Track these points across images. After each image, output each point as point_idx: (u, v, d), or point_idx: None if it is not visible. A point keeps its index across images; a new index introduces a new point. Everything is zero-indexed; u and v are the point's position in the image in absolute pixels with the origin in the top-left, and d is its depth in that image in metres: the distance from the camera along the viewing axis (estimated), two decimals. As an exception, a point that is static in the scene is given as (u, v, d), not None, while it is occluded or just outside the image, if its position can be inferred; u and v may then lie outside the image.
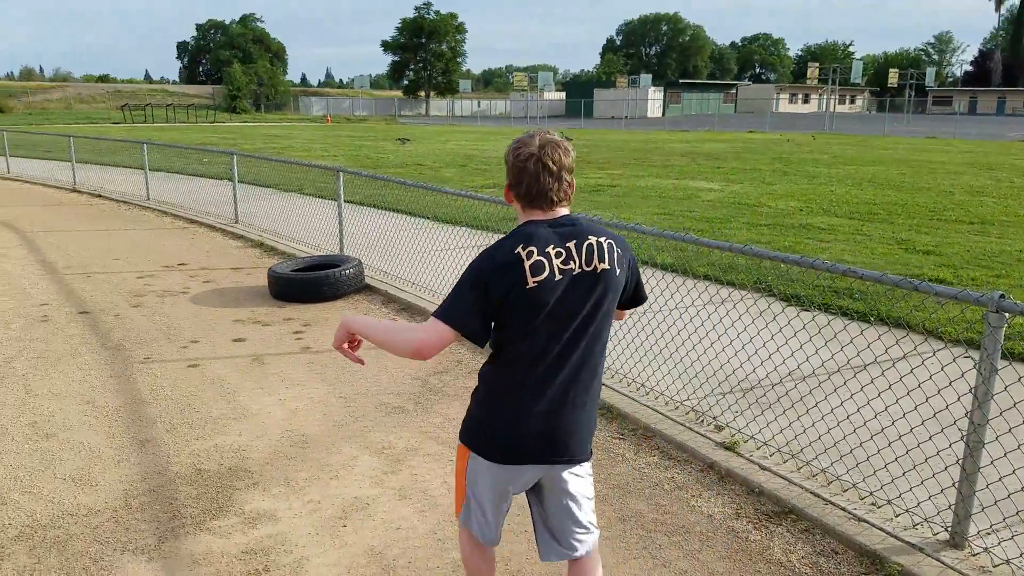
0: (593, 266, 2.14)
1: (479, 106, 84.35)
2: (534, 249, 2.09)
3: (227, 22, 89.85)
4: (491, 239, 8.56)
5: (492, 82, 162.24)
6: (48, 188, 14.93)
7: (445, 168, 19.88)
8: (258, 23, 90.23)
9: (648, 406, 4.60)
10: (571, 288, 2.12)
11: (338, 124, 53.72)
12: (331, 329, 6.30)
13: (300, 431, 4.41)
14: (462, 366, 5.49)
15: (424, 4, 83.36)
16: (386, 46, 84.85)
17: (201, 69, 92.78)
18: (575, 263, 2.13)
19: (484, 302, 2.08)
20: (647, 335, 5.32)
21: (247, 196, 12.23)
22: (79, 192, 14.28)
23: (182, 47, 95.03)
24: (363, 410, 4.71)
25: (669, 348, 5.13)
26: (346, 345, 2.33)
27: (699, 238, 4.44)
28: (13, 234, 10.31)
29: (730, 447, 4.05)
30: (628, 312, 2.51)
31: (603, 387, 4.85)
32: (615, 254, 2.19)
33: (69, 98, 67.90)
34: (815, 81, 60.87)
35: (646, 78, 75.81)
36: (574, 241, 2.14)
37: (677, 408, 4.57)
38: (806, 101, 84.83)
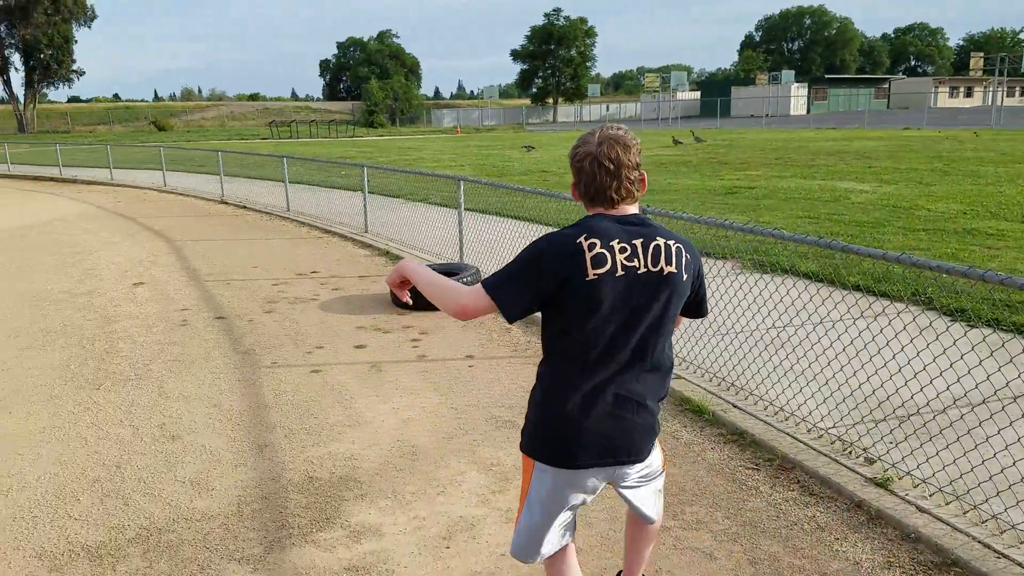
0: (660, 267, 2.08)
1: (607, 110, 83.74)
2: (597, 241, 2.03)
3: (365, 39, 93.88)
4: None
5: (622, 85, 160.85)
6: (199, 200, 15.94)
7: (570, 174, 19.61)
8: (394, 39, 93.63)
9: (787, 433, 4.17)
10: (634, 286, 2.05)
11: (467, 135, 54.77)
12: (446, 338, 6.24)
13: (411, 442, 4.31)
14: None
15: (554, 11, 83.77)
16: (515, 55, 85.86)
17: (341, 86, 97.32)
18: (639, 261, 2.06)
19: (534, 286, 2.03)
20: (787, 352, 4.88)
21: (377, 206, 12.53)
22: (226, 204, 15.14)
23: (324, 65, 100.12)
24: (473, 423, 4.56)
25: (813, 368, 4.68)
26: (398, 284, 2.31)
27: (848, 244, 3.97)
28: (164, 243, 11.00)
29: (882, 483, 3.56)
30: (683, 321, 2.41)
31: (736, 410, 4.66)
32: (683, 258, 2.12)
33: (223, 116, 73.12)
34: (979, 73, 56.16)
35: (788, 74, 72.61)
36: (641, 239, 2.08)
37: (821, 437, 4.10)
38: (968, 95, 78.33)
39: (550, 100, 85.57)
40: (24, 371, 5.58)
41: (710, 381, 4.88)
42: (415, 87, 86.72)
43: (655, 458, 2.33)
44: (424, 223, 10.39)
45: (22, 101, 63.37)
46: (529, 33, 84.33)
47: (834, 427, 4.18)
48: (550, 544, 2.28)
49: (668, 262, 2.09)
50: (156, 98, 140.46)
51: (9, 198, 17.49)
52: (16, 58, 63.44)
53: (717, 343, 5.45)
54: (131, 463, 4.11)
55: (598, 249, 2.02)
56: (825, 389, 4.57)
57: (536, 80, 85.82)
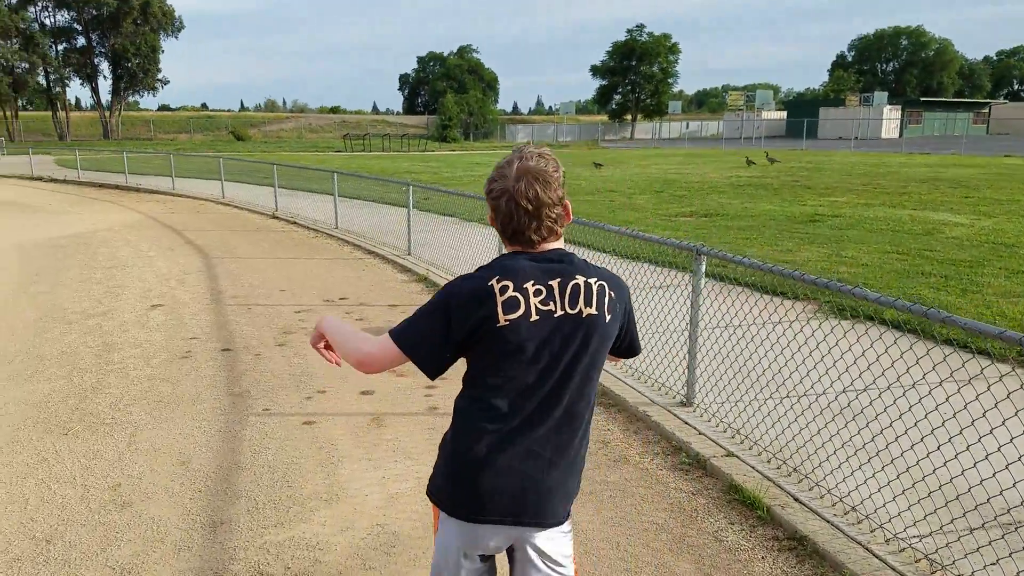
0: (578, 309, 1.90)
1: (687, 127, 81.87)
2: (510, 284, 1.86)
3: (445, 54, 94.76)
4: (672, 277, 7.48)
5: (706, 103, 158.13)
6: (252, 214, 15.70)
7: (640, 194, 18.77)
8: (474, 54, 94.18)
9: (859, 542, 3.25)
10: (551, 333, 1.88)
11: (541, 150, 54.14)
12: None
13: (392, 527, 3.57)
14: (608, 448, 4.40)
15: (637, 27, 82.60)
16: (595, 70, 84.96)
17: (419, 100, 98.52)
18: (556, 304, 1.89)
19: (443, 332, 1.87)
20: (862, 424, 3.94)
21: (424, 227, 11.93)
22: (277, 218, 14.82)
23: (403, 79, 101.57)
24: (470, 509, 3.78)
25: (893, 448, 3.72)
26: (321, 345, 2.15)
27: (950, 315, 3.04)
28: (200, 259, 10.62)
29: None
30: (620, 361, 2.22)
31: (796, 505, 3.51)
32: (606, 298, 1.94)
33: (301, 128, 74.68)
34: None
35: (881, 95, 69.40)
36: (559, 279, 1.90)
37: (903, 551, 3.17)
38: (1078, 120, 73.51)
39: (628, 117, 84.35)
40: (-2, 407, 5.10)
41: (768, 462, 3.97)
42: (491, 102, 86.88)
43: (564, 545, 2.00)
44: (470, 245, 9.69)
45: (108, 108, 66.11)
46: (610, 49, 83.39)
47: (919, 537, 3.24)
48: None
49: (588, 303, 1.90)
50: (242, 108, 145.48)
51: (68, 206, 17.68)
52: (105, 66, 66.28)
53: (778, 409, 4.53)
54: (64, 537, 3.49)
55: (510, 292, 1.85)
56: (907, 477, 3.60)
57: (615, 96, 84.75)
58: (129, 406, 5.12)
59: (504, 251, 1.97)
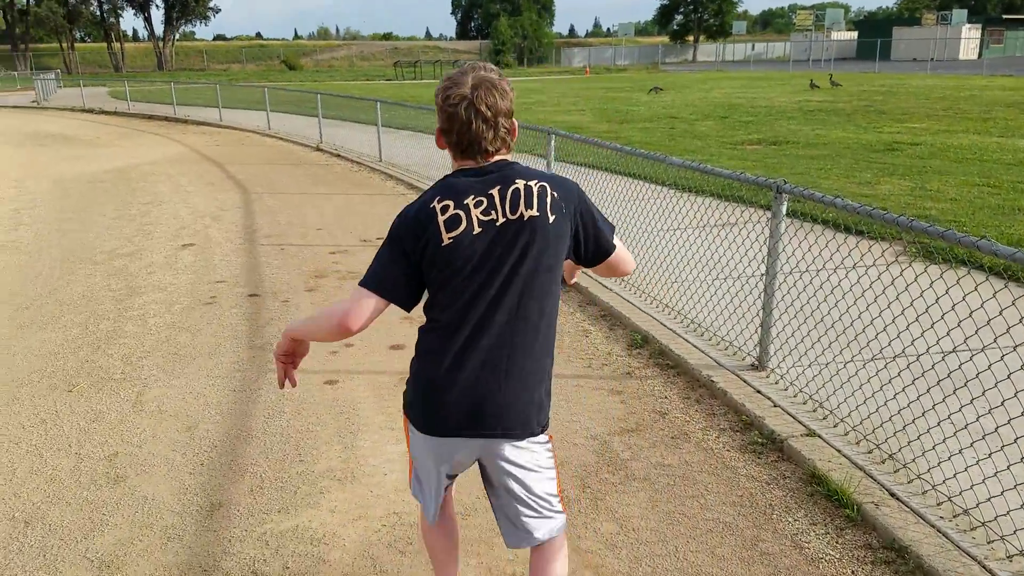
0: (519, 213, 1.84)
1: (752, 49, 77.77)
2: (451, 202, 1.83)
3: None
4: (739, 214, 6.70)
5: (772, 23, 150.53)
6: (296, 146, 15.22)
7: (703, 121, 17.66)
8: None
9: (975, 558, 2.63)
10: (494, 241, 1.83)
11: (596, 75, 52.31)
12: (507, 340, 4.95)
13: (409, 518, 3.08)
14: (666, 421, 3.81)
15: (702, -58, 78.22)
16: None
17: (472, 24, 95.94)
18: (497, 212, 1.84)
19: (403, 263, 1.85)
20: (971, 395, 3.26)
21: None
22: (321, 151, 14.31)
23: (456, 2, 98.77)
24: (501, 496, 3.26)
25: (1013, 429, 3.03)
26: (283, 356, 2.06)
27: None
28: (239, 195, 10.21)
29: None
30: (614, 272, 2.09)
31: (893, 503, 2.88)
32: (548, 199, 1.87)
33: (352, 56, 73.53)
34: None
35: (960, 13, 64.34)
36: (498, 187, 1.85)
37: (1034, 571, 2.54)
38: None
39: (690, 38, 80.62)
40: (5, 358, 4.75)
41: (857, 444, 3.33)
42: (546, 25, 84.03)
43: (542, 460, 1.99)
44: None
45: (161, 39, 66.01)
46: (672, -34, 79.27)
47: (1061, 562, 2.59)
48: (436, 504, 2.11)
49: (528, 206, 1.85)
50: (295, 37, 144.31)
51: (115, 139, 17.49)
52: (157, -4, 65.98)
53: (869, 376, 3.86)
54: (45, 519, 3.10)
55: (452, 211, 1.82)
56: (1041, 481, 2.93)
57: (676, 16, 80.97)
58: (142, 359, 4.73)
59: (453, 168, 1.93)
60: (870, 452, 3.26)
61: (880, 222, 3.17)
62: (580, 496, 3.16)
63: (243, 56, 70.47)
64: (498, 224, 1.84)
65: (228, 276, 6.47)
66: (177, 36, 70.12)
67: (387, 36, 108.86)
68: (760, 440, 3.55)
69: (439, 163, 11.11)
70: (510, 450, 1.94)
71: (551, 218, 1.86)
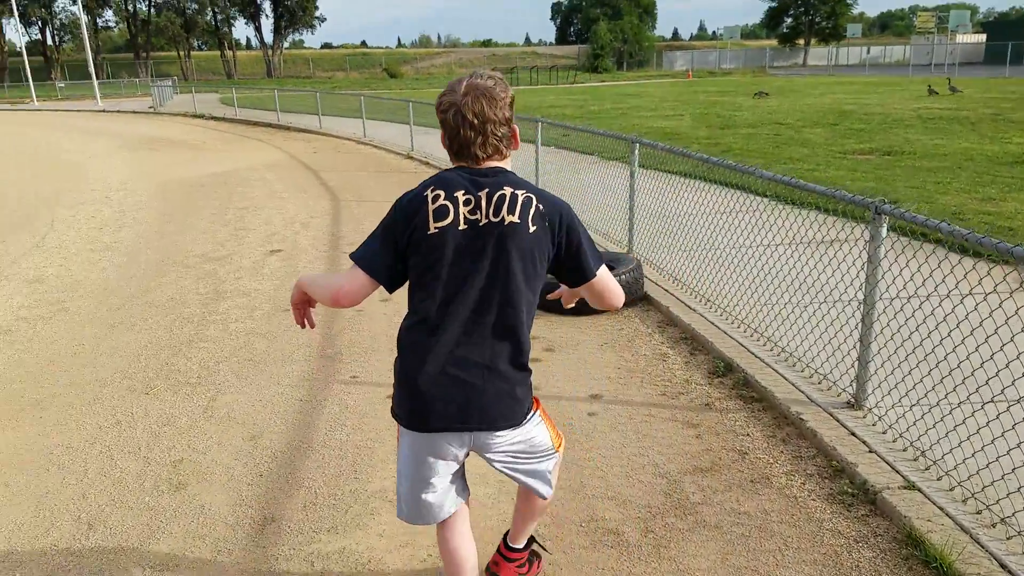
0: (501, 217, 1.94)
1: (868, 53, 74.27)
2: (441, 193, 1.94)
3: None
4: (842, 230, 6.21)
5: (890, 25, 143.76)
6: (388, 153, 15.43)
7: (810, 128, 16.87)
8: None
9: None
10: (475, 240, 1.93)
11: (699, 79, 51.16)
12: (575, 360, 4.77)
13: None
14: (745, 461, 3.52)
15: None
16: (766, -8, 78.79)
17: (571, 29, 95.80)
18: (482, 213, 1.94)
19: (392, 244, 1.96)
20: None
21: (561, 166, 11.08)
22: (412, 159, 14.45)
23: (556, 8, 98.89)
24: (567, 525, 3.05)
25: None
26: (302, 302, 2.18)
27: None
28: (328, 202, 10.38)
29: None
30: (586, 294, 2.13)
31: None
32: (531, 209, 1.96)
33: (451, 63, 74.69)
34: None
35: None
36: (487, 190, 1.95)
37: None
38: None
39: (800, 42, 77.79)
40: (90, 359, 4.90)
41: (964, 503, 2.95)
42: (647, 28, 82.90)
43: (536, 434, 2.16)
44: (598, 190, 8.77)
45: (271, 47, 68.89)
46: (783, -33, 76.73)
47: None
48: (442, 508, 2.18)
49: (511, 211, 1.94)
50: (398, 44, 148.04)
51: (220, 144, 18.24)
52: (267, 5, 68.93)
53: (980, 424, 3.44)
54: (107, 522, 3.12)
55: (441, 201, 1.93)
56: None
57: (786, 19, 78.25)
58: (219, 363, 4.78)
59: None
60: (978, 513, 2.88)
61: (992, 251, 2.81)
62: (641, 541, 2.93)
63: (347, 64, 72.81)
64: (480, 224, 1.93)
65: (310, 282, 6.53)
66: (286, 44, 73.07)
67: (486, 43, 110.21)
68: (851, 490, 3.20)
69: (523, 171, 10.99)
70: (498, 441, 2.07)
71: (531, 228, 1.95)
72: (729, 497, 3.22)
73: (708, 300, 5.57)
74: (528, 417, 2.11)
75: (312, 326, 2.25)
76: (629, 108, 25.03)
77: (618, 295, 2.14)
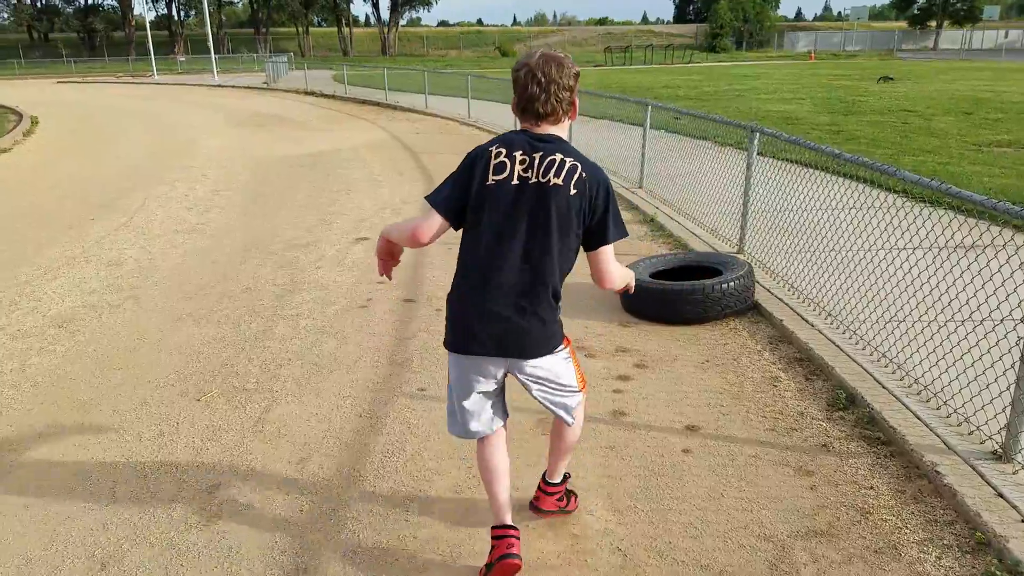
0: (547, 179, 2.23)
1: (1005, 36, 68.18)
2: (503, 150, 2.26)
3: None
4: (987, 233, 5.23)
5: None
6: (491, 135, 14.99)
7: (941, 116, 15.38)
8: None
9: None
10: (522, 195, 2.23)
11: (821, 61, 48.29)
12: (669, 381, 4.19)
13: (513, 632, 2.44)
14: (868, 523, 2.87)
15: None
16: (897, -32, 73.55)
17: (691, 8, 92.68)
18: (533, 172, 2.24)
19: (460, 190, 2.27)
20: None
21: (670, 152, 10.32)
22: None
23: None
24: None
25: None
26: (387, 254, 2.52)
27: None
28: (424, 186, 10.03)
29: None
30: (609, 270, 2.40)
31: None
32: (575, 175, 2.25)
33: (564, 42, 73.48)
34: None
35: None
36: (541, 153, 2.25)
37: None
38: None
39: (932, 24, 72.30)
40: (149, 355, 4.68)
41: None
42: (771, 7, 79.07)
43: (561, 369, 2.46)
44: (709, 180, 8.00)
45: (387, 25, 69.71)
46: (916, -58, 71.37)
47: None
48: (477, 424, 2.52)
49: (557, 175, 2.23)
50: (514, 22, 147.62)
51: (325, 122, 18.31)
52: (385, -18, 69.63)
53: None
54: (123, 563, 2.79)
55: (501, 158, 2.25)
56: None
57: (917, 0, 72.89)
58: (280, 367, 4.46)
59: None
60: None
61: None
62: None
63: (460, 42, 72.97)
64: (530, 183, 2.23)
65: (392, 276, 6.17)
66: (403, 22, 73.92)
67: (602, 21, 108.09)
68: (997, 572, 2.52)
69: (630, 156, 10.29)
70: (530, 368, 2.38)
71: (572, 191, 2.23)
72: (849, 572, 2.60)
73: (829, 313, 4.84)
74: (556, 350, 2.42)
75: (391, 278, 2.62)
76: (746, 90, 23.69)
77: (612, 276, 2.43)
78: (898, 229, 5.30)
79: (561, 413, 2.56)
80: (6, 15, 79.91)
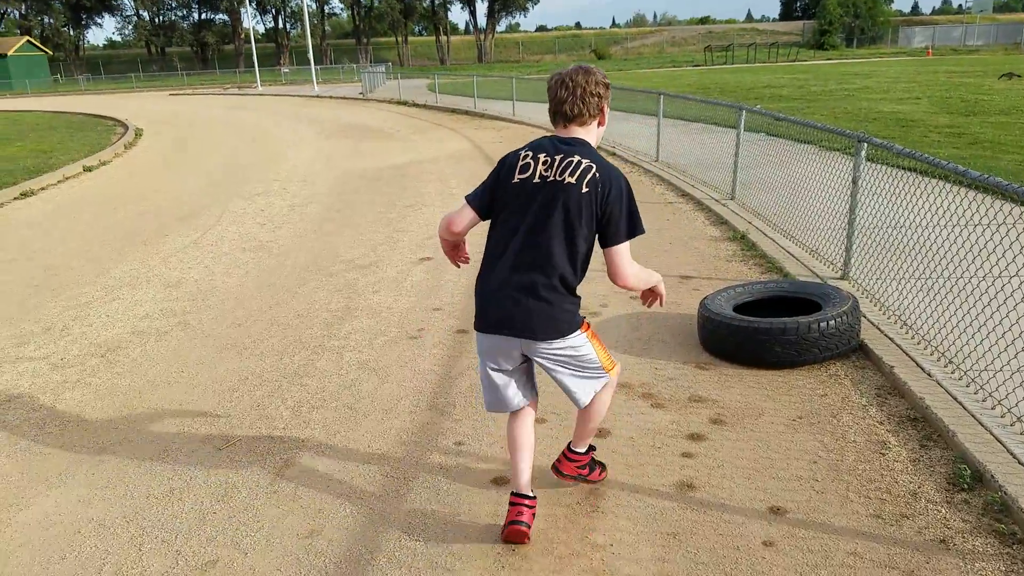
0: (563, 178, 2.48)
1: None
2: (530, 154, 2.55)
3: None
4: None
5: None
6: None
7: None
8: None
9: None
10: (539, 191, 2.51)
11: (939, 57, 45.14)
12: (751, 441, 3.55)
13: None
14: None
15: None
16: (1026, -46, 68.20)
17: (798, 4, 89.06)
18: (552, 172, 2.50)
19: (488, 187, 2.62)
20: None
21: (767, 158, 9.47)
22: (599, 148, 13.35)
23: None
24: None
25: None
26: (453, 246, 2.83)
27: None
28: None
29: None
30: (627, 270, 2.56)
31: None
32: (590, 175, 2.47)
33: (663, 42, 71.79)
34: None
35: None
36: (562, 155, 2.51)
37: None
38: None
39: (1066, 10, 66.57)
40: (183, 392, 4.38)
41: None
42: (884, 2, 74.94)
43: (583, 349, 2.67)
44: (810, 191, 7.13)
45: (484, 31, 69.91)
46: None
47: None
48: (503, 398, 2.78)
49: (572, 175, 2.47)
50: (613, 24, 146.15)
51: (411, 132, 18.15)
52: (482, -12, 69.99)
53: None
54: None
55: (528, 160, 2.55)
56: None
57: (1049, -16, 67.32)
58: (313, 409, 4.06)
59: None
60: None
61: None
62: None
63: (556, 47, 72.44)
64: (548, 180, 2.51)
65: (448, 302, 5.72)
66: (501, 28, 74.11)
67: (703, 20, 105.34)
68: None
69: (722, 162, 9.48)
70: (544, 349, 2.62)
71: (584, 189, 2.48)
72: None
73: (950, 360, 4.06)
74: (570, 334, 2.61)
75: (467, 262, 2.87)
76: (856, 89, 22.17)
77: (623, 278, 2.57)
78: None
79: (574, 392, 2.75)
80: (128, 31, 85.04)
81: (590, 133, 2.61)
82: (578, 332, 2.64)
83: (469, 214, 2.61)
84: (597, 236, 2.54)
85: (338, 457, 3.57)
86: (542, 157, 2.51)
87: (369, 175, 12.03)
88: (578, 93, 2.51)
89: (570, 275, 2.53)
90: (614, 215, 2.49)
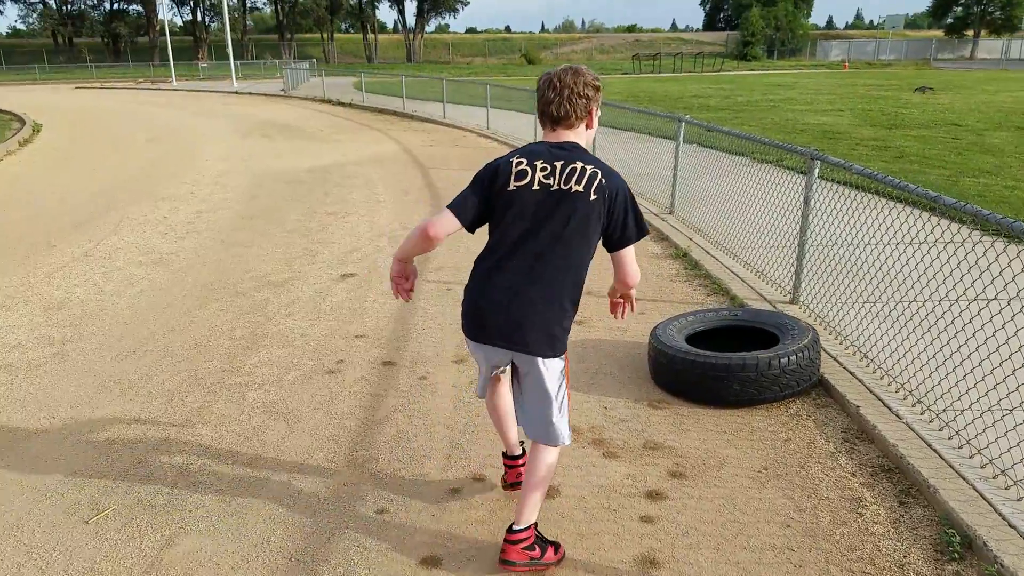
0: (569, 186, 2.40)
1: (1047, 46, 65.76)
2: (524, 160, 2.44)
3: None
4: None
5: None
6: (508, 148, 13.98)
7: (993, 131, 14.19)
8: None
9: None
10: (545, 200, 2.42)
11: (856, 71, 46.72)
12: (721, 498, 3.08)
13: None
14: None
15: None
16: (932, -24, 71.36)
17: (721, 15, 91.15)
18: (554, 180, 2.41)
19: (479, 196, 2.47)
20: None
21: (703, 170, 9.21)
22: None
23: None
24: None
25: None
26: (401, 275, 2.68)
27: None
28: (428, 210, 8.98)
29: None
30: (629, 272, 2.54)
31: None
32: (596, 182, 2.41)
33: (592, 49, 72.20)
34: None
35: None
36: (562, 162, 2.43)
37: None
38: None
39: (969, 33, 70.12)
40: (52, 444, 3.67)
41: None
42: (803, 15, 77.40)
43: (549, 383, 2.53)
44: (752, 206, 6.82)
45: (412, 31, 68.89)
46: (952, -53, 69.27)
47: None
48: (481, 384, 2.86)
49: (578, 183, 2.40)
50: (542, 30, 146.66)
51: (336, 132, 17.37)
52: (411, -12, 68.92)
53: None
54: None
55: (523, 166, 2.43)
56: None
57: (955, 8, 70.77)
58: (203, 471, 3.42)
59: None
60: None
61: None
62: None
63: (487, 49, 71.96)
64: (552, 189, 2.42)
65: (371, 328, 5.14)
66: (430, 28, 73.10)
67: (630, 28, 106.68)
68: None
69: (661, 174, 9.17)
70: (524, 363, 2.53)
71: (592, 197, 2.41)
72: None
73: (919, 400, 3.74)
74: (554, 358, 2.52)
75: (408, 299, 2.75)
76: (780, 100, 22.47)
77: (635, 276, 2.58)
78: (986, 271, 4.11)
79: (525, 420, 2.65)
80: (32, 19, 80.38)
81: (579, 136, 2.50)
82: (561, 365, 2.57)
83: (452, 223, 2.45)
84: (604, 241, 2.49)
85: (232, 532, 2.97)
86: (539, 163, 2.42)
87: (288, 178, 11.26)
88: (565, 94, 2.42)
89: (571, 289, 2.48)
90: (623, 219, 2.45)
